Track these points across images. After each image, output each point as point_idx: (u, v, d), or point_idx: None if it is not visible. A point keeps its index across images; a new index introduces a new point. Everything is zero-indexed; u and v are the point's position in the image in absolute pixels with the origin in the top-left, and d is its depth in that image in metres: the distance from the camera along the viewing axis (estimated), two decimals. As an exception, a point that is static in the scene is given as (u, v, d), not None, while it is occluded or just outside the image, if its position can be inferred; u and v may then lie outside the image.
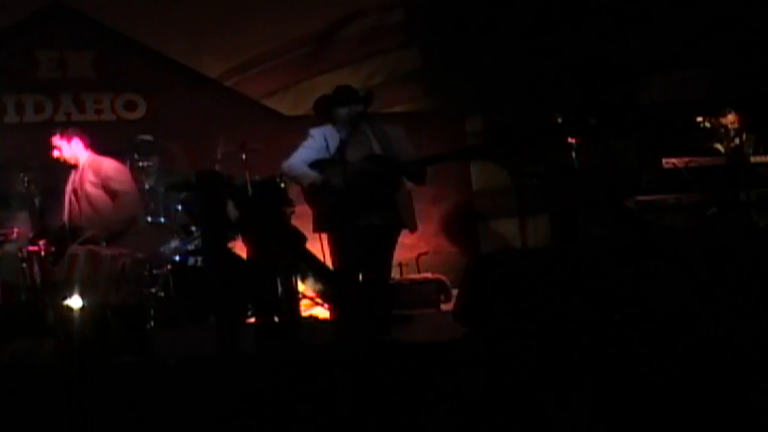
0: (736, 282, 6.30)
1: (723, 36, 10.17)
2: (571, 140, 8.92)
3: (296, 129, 8.64)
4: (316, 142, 8.33)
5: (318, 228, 8.34)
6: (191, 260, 8.78)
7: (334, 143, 8.24)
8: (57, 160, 8.95)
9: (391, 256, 8.43)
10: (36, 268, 8.63)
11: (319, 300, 9.07)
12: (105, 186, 8.75)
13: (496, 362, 5.53)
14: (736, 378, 5.27)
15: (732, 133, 9.47)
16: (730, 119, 9.44)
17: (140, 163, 9.21)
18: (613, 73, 10.58)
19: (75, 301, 7.98)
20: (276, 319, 8.01)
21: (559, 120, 8.90)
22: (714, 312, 5.86)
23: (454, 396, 5.31)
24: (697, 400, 5.16)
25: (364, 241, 8.24)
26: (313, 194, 8.20)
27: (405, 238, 8.86)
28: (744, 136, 9.46)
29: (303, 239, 8.71)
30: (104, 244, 8.56)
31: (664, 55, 10.38)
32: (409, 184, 8.33)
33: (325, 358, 5.76)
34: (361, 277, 8.21)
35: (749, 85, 10.08)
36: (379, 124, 8.31)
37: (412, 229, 8.38)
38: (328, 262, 8.58)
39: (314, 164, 8.19)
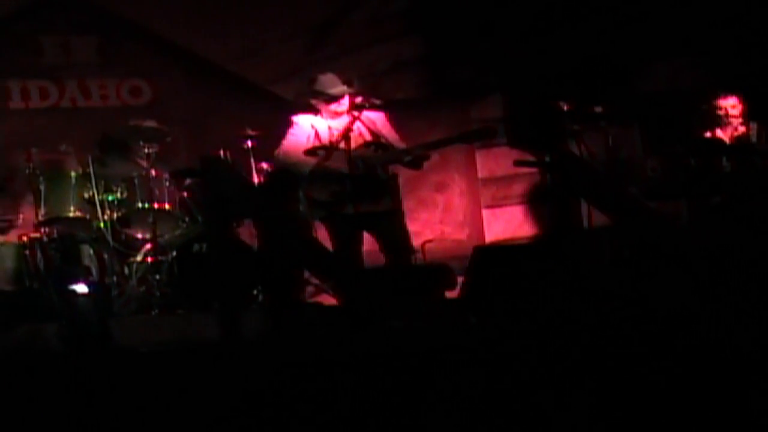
0: (736, 282, 6.29)
1: (723, 32, 10.15)
2: (575, 128, 8.92)
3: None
4: (303, 129, 8.37)
5: (315, 216, 8.41)
6: (196, 246, 8.78)
7: (323, 129, 8.29)
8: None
9: (408, 236, 8.48)
10: (38, 254, 8.66)
11: (324, 287, 9.07)
12: None
13: (496, 362, 5.53)
14: (736, 378, 5.27)
15: (734, 120, 9.44)
16: (730, 104, 9.41)
17: (146, 149, 9.21)
18: (613, 73, 10.56)
19: (79, 287, 8.00)
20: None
21: (563, 107, 8.89)
22: (714, 312, 5.85)
23: (454, 396, 5.31)
24: (697, 400, 5.16)
25: (369, 228, 8.29)
26: (312, 181, 8.23)
27: (409, 225, 8.89)
28: (750, 125, 9.44)
29: (309, 225, 8.75)
30: None
31: (663, 52, 10.37)
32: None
33: (325, 358, 5.75)
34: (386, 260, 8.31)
35: (751, 70, 10.06)
36: (363, 111, 8.33)
37: (401, 212, 8.48)
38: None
39: (310, 151, 8.21)
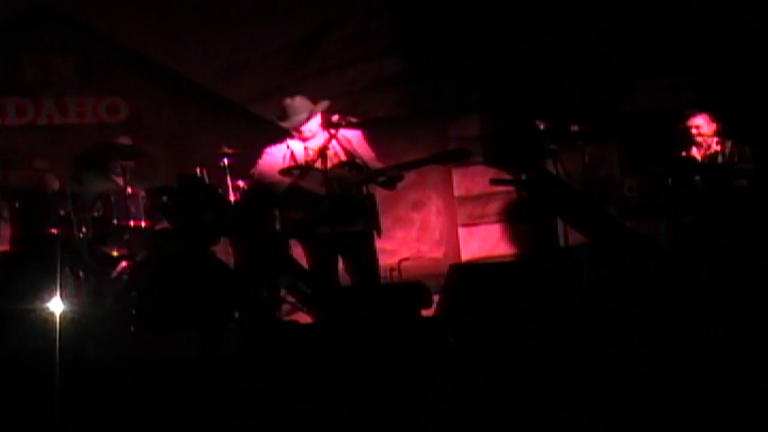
0: (736, 282, 6.31)
1: (718, 36, 10.19)
2: (552, 147, 8.93)
3: (280, 134, 8.64)
4: (278, 149, 8.39)
5: (292, 235, 8.40)
6: (172, 265, 8.74)
7: (299, 149, 8.31)
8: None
9: (376, 259, 8.49)
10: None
11: (300, 305, 9.05)
12: None
13: (496, 362, 5.54)
14: (736, 378, 5.28)
15: (708, 138, 9.49)
16: (704, 123, 9.47)
17: (121, 167, 9.19)
18: (613, 73, 10.58)
19: (55, 305, 7.96)
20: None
21: (541, 126, 8.91)
22: (714, 312, 5.86)
23: (454, 396, 5.31)
24: (697, 400, 5.17)
25: (343, 249, 8.29)
26: (288, 201, 8.23)
27: (386, 244, 8.88)
28: (725, 143, 9.49)
29: (285, 244, 8.74)
30: None
31: (660, 56, 10.39)
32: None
33: (325, 358, 5.75)
34: (352, 282, 8.31)
35: (731, 89, 10.10)
36: (340, 130, 8.33)
37: (380, 233, 8.45)
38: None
39: (285, 171, 8.22)
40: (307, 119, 8.33)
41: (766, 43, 9.98)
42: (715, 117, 9.49)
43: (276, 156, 8.39)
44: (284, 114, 8.41)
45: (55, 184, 9.05)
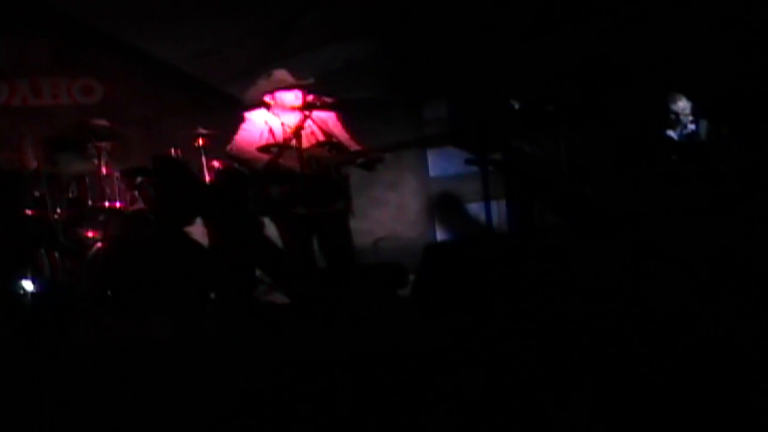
0: (736, 282, 6.31)
1: (717, 36, 10.21)
2: (528, 127, 8.96)
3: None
4: (256, 125, 8.33)
5: (267, 214, 8.39)
6: (148, 246, 8.74)
7: (277, 126, 8.27)
8: None
9: (352, 240, 8.49)
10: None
11: (276, 286, 9.07)
12: None
13: (496, 362, 5.54)
14: (736, 378, 5.29)
15: (684, 118, 9.53)
16: (680, 106, 9.51)
17: (96, 147, 9.19)
18: (613, 73, 10.59)
19: (31, 286, 7.97)
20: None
21: (516, 107, 8.92)
22: (714, 312, 5.87)
23: (454, 396, 5.31)
24: (697, 400, 5.18)
25: (319, 229, 8.29)
26: (265, 179, 8.20)
27: (361, 224, 8.89)
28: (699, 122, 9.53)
29: (259, 224, 8.75)
30: None
31: (661, 55, 10.41)
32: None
33: (325, 358, 5.75)
34: (327, 263, 8.31)
35: (730, 89, 10.13)
36: (315, 110, 8.32)
37: (353, 214, 8.46)
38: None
39: (263, 148, 8.18)
40: (295, 87, 8.27)
41: (766, 43, 9.99)
42: (690, 97, 9.53)
43: (253, 132, 8.32)
44: (273, 79, 8.35)
45: (33, 164, 9.04)
